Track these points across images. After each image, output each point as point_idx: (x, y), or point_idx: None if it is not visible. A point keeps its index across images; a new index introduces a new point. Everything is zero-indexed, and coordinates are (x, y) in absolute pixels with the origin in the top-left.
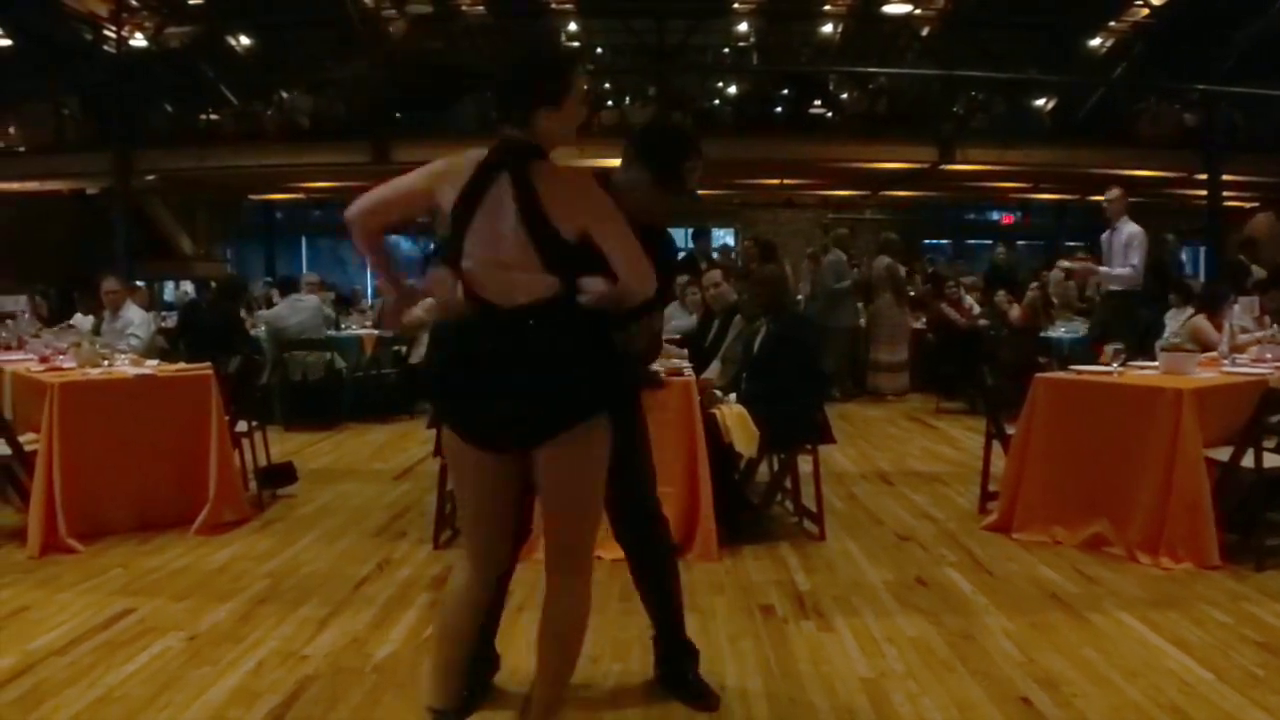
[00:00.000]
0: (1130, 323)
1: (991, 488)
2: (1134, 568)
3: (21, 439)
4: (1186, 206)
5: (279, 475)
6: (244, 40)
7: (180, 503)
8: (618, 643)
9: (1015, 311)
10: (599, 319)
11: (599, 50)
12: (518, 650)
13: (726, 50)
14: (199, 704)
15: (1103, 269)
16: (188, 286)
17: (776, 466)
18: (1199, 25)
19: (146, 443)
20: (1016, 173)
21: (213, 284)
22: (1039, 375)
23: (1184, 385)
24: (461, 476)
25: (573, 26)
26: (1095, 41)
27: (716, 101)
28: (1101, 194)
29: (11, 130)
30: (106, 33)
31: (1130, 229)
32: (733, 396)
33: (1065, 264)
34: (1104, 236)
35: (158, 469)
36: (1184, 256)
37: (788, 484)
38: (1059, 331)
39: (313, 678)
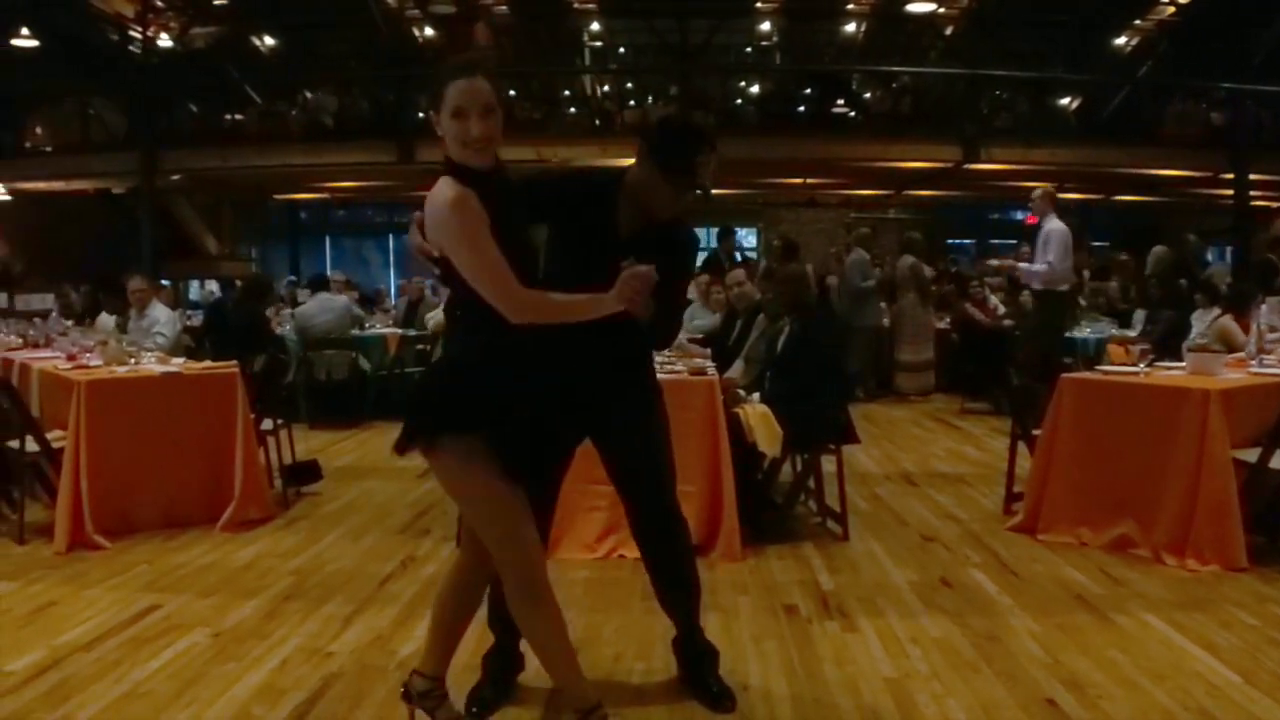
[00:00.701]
0: (1056, 322)
1: (1016, 488)
2: (1160, 569)
3: (49, 436)
4: (1213, 206)
5: (304, 473)
6: (268, 40)
7: (206, 500)
8: (642, 642)
9: None
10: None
11: (621, 50)
12: None
13: (749, 50)
14: (224, 700)
15: (1022, 265)
16: (213, 286)
17: (800, 466)
18: (1225, 23)
19: (172, 440)
20: (1041, 172)
21: (238, 283)
22: (1065, 375)
23: (1211, 386)
24: None
25: (595, 26)
26: (1120, 40)
27: (739, 101)
28: (1131, 194)
29: (39, 130)
30: (133, 34)
31: (1050, 225)
32: (756, 396)
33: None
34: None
35: (184, 466)
36: (1209, 256)
37: (811, 484)
38: (1084, 332)
39: (337, 675)
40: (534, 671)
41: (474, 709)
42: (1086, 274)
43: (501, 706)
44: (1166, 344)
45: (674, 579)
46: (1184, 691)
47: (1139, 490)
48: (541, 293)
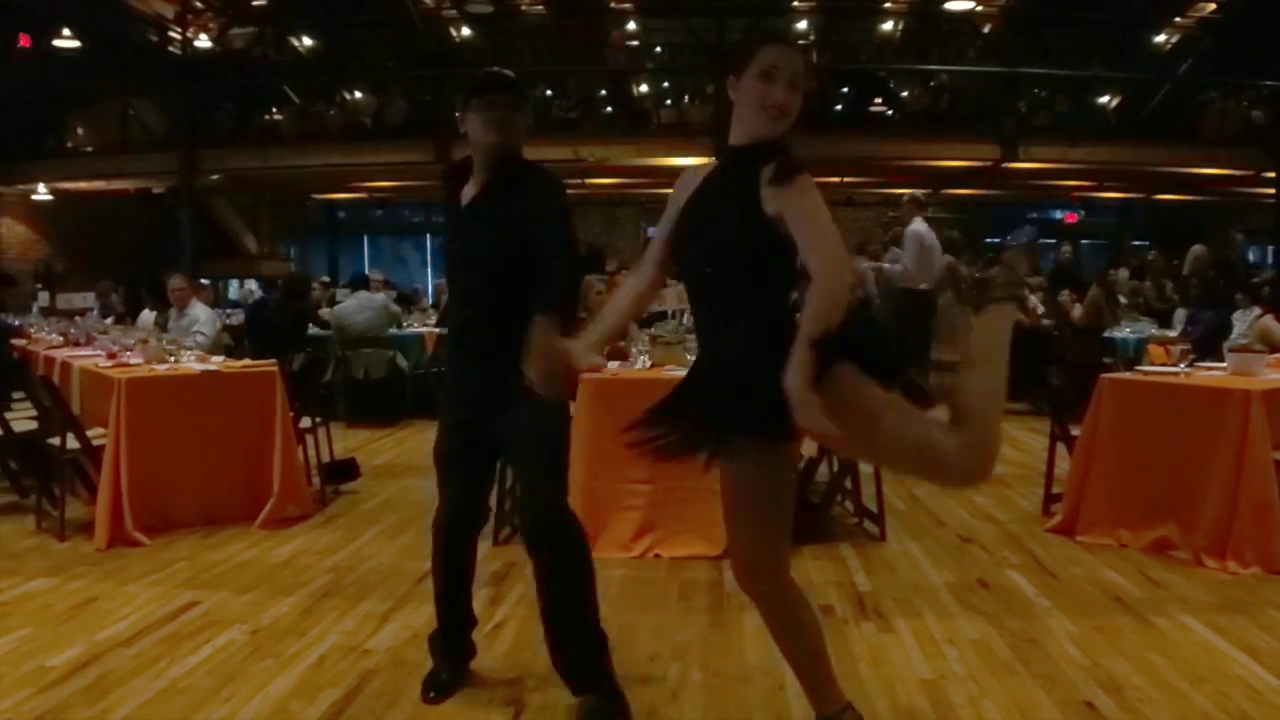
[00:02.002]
0: (919, 320)
1: (1055, 489)
2: (1200, 572)
3: (90, 434)
4: (1253, 205)
5: (342, 471)
6: (306, 41)
7: (245, 497)
8: (676, 643)
9: (1078, 311)
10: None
11: (658, 49)
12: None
13: None
14: (261, 697)
15: (886, 265)
16: (252, 285)
17: (836, 467)
18: (1266, 20)
19: (211, 438)
20: (1080, 171)
21: (279, 282)
22: (1104, 375)
23: (1252, 386)
24: None
25: (632, 25)
26: (1160, 37)
27: None
28: (1171, 193)
29: (80, 131)
30: (172, 35)
31: (910, 229)
32: None
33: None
34: None
35: (222, 464)
36: (1250, 256)
37: (848, 484)
38: (1124, 331)
39: (374, 672)
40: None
41: (431, 693)
42: (1125, 273)
43: (457, 690)
44: (1207, 344)
45: (554, 610)
46: (1224, 695)
47: (1179, 492)
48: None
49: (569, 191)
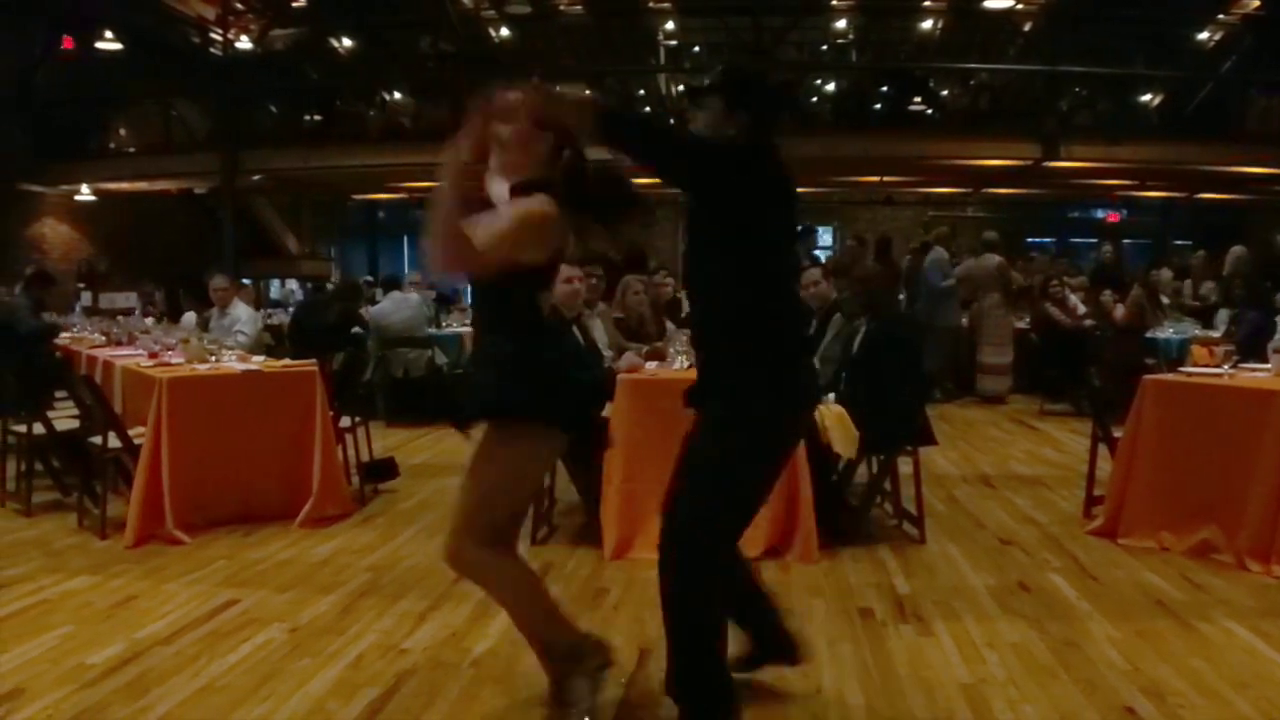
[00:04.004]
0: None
1: (1097, 492)
2: (1244, 575)
3: (131, 432)
4: None
5: (381, 470)
6: (346, 42)
7: (284, 496)
8: None
9: (1120, 311)
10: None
11: (696, 48)
12: (613, 645)
13: (825, 47)
14: (300, 695)
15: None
16: (293, 285)
17: (875, 468)
18: None
19: (251, 437)
20: (1122, 170)
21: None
22: (1147, 376)
23: None
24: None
25: (670, 25)
26: (1203, 35)
27: (815, 99)
28: (1214, 192)
29: (123, 132)
30: (213, 36)
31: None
32: (832, 396)
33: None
34: None
35: (262, 463)
36: None
37: (887, 486)
38: (1166, 332)
39: (411, 671)
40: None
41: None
42: (1168, 273)
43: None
44: (1251, 345)
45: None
46: (1268, 701)
47: (1222, 494)
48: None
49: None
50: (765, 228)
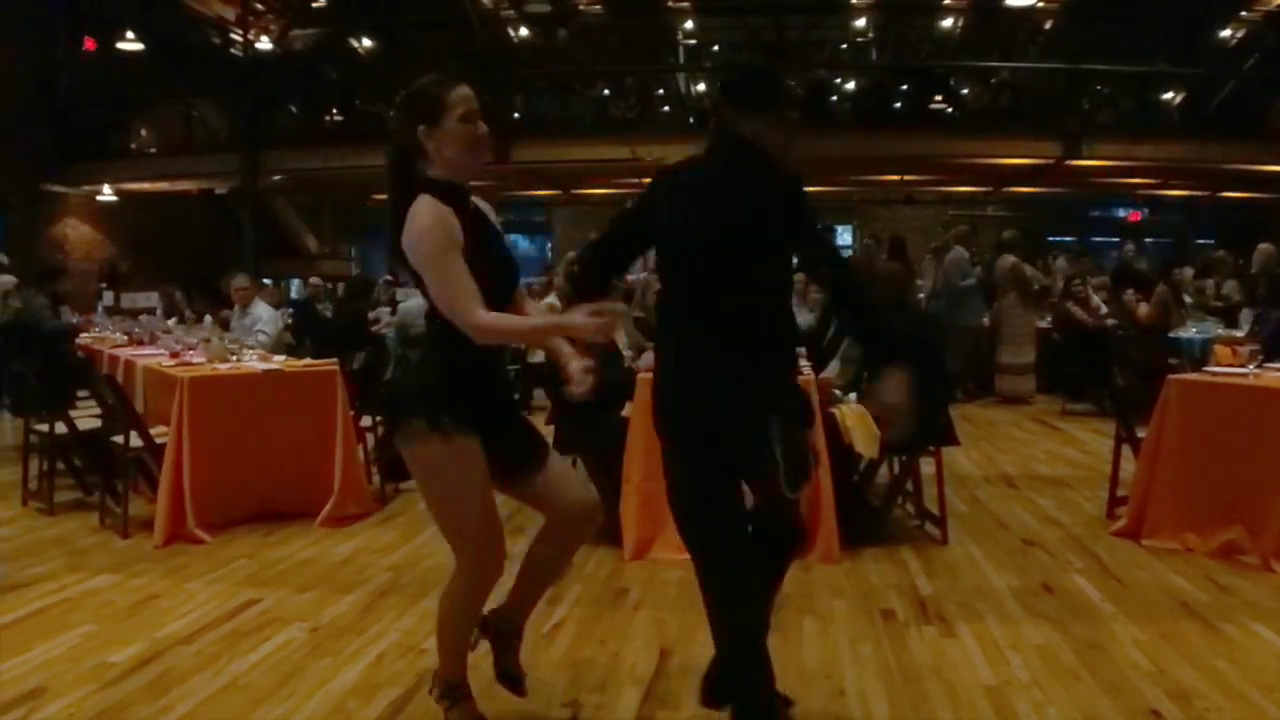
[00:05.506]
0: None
1: (1120, 492)
2: (1269, 577)
3: (153, 432)
4: None
5: (402, 469)
6: (366, 42)
7: (305, 496)
8: None
9: (1143, 310)
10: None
11: (716, 48)
12: (634, 645)
13: (845, 46)
14: (320, 694)
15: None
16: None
17: (897, 468)
18: None
19: (273, 436)
20: (1144, 168)
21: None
22: (1171, 376)
23: None
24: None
25: (689, 24)
26: (1226, 32)
27: (835, 98)
28: (1237, 190)
29: (144, 133)
30: (234, 36)
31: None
32: (853, 396)
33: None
34: None
35: (283, 462)
36: None
37: (909, 486)
38: (1190, 331)
39: (432, 670)
40: (624, 666)
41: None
42: (1190, 271)
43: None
44: (1276, 344)
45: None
46: None
47: (1248, 495)
48: (501, 316)
49: (624, 192)
50: None
